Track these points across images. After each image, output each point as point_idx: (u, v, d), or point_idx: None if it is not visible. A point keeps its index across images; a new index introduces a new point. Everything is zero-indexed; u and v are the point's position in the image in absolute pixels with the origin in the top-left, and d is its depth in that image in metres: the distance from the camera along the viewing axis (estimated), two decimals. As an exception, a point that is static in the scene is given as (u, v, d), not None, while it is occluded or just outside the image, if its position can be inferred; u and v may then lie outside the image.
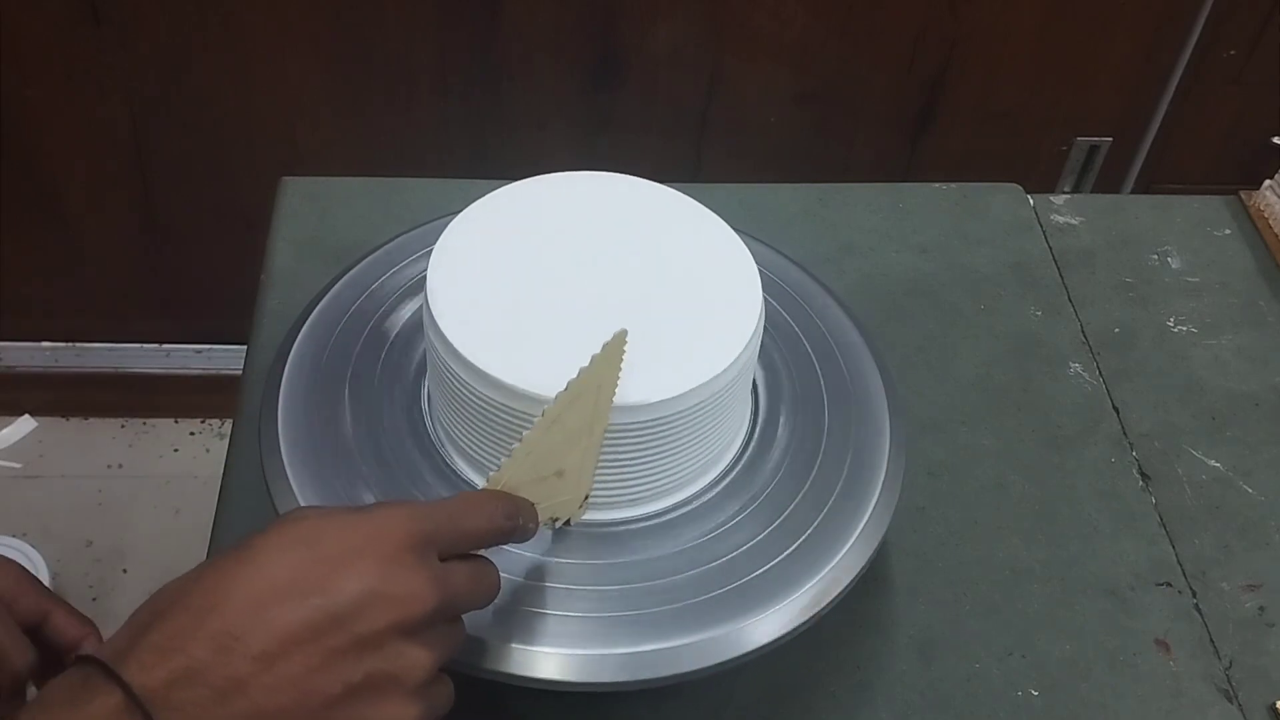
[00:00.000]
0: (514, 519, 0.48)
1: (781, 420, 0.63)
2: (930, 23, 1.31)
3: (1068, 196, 0.93)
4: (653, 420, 0.55)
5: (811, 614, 0.55)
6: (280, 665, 0.39)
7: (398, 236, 0.70)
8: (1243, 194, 0.93)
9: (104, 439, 1.63)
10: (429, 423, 0.61)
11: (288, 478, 0.57)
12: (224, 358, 1.60)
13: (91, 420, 1.65)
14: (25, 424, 1.63)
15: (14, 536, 1.40)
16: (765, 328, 0.61)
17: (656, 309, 0.58)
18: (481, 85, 1.35)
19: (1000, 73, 1.36)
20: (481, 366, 0.54)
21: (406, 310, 0.66)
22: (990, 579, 0.68)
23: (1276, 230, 0.90)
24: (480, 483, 0.59)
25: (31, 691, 0.50)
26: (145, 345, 1.60)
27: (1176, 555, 0.70)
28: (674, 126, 1.40)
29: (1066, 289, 0.85)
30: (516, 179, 0.65)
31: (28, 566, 1.32)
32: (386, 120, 1.38)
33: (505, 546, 0.54)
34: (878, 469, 0.61)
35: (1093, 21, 1.32)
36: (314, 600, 0.40)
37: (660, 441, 0.56)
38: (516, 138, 1.40)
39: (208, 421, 1.66)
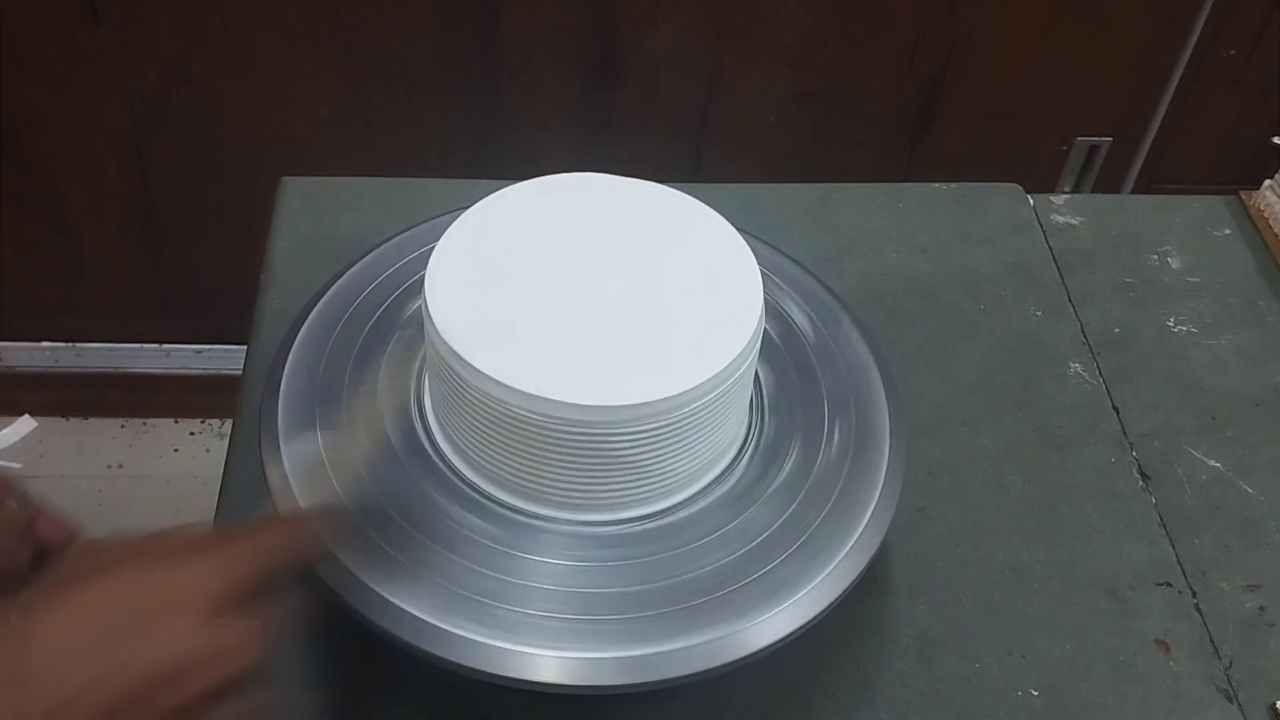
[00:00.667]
0: (313, 543, 0.48)
1: (781, 420, 0.63)
2: (930, 23, 1.31)
3: (1068, 196, 0.93)
4: (653, 419, 0.55)
5: (812, 615, 0.55)
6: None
7: (397, 236, 0.70)
8: (1243, 194, 0.93)
9: (104, 439, 1.63)
10: (429, 423, 0.61)
11: (288, 478, 0.57)
12: (224, 358, 1.60)
13: (91, 420, 1.65)
14: (25, 424, 1.63)
15: (14, 536, 1.39)
16: (765, 327, 0.61)
17: (657, 309, 0.58)
18: (481, 85, 1.35)
19: (1000, 73, 1.36)
20: (481, 367, 0.54)
21: (406, 310, 0.66)
22: (990, 579, 0.68)
23: (1276, 230, 0.90)
24: (479, 484, 0.59)
25: None
26: (145, 345, 1.60)
27: (1176, 555, 0.70)
28: (674, 126, 1.40)
29: (1066, 289, 0.85)
30: (516, 179, 0.64)
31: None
32: (386, 120, 1.38)
33: (514, 551, 0.55)
34: (878, 469, 0.61)
35: (1093, 21, 1.32)
36: (103, 665, 0.39)
37: (661, 441, 0.56)
38: (516, 138, 1.40)
39: (208, 421, 1.66)
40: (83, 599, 0.40)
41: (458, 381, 0.56)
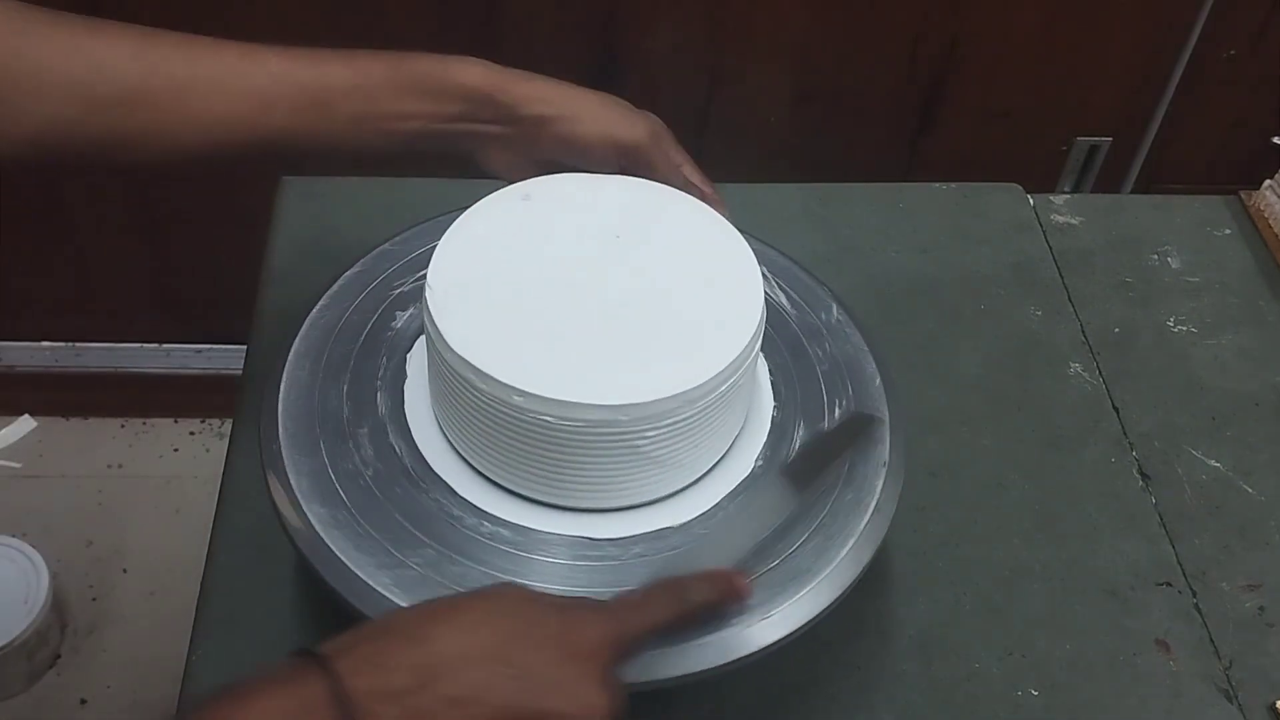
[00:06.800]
0: (688, 600, 0.50)
1: (781, 420, 0.63)
2: (930, 23, 1.31)
3: (1068, 196, 0.93)
4: (653, 420, 0.55)
5: (813, 615, 0.55)
6: (464, 711, 0.43)
7: (397, 236, 0.71)
8: (1243, 194, 0.93)
9: (104, 439, 1.63)
10: (429, 422, 0.61)
11: (288, 477, 0.57)
12: (224, 358, 1.60)
13: (91, 420, 1.65)
14: (25, 424, 1.63)
15: (14, 536, 1.39)
16: (765, 327, 0.61)
17: (657, 308, 0.58)
18: (481, 85, 1.35)
19: (1000, 73, 1.36)
20: (481, 366, 0.54)
21: (407, 310, 0.66)
22: (990, 579, 0.68)
23: (1276, 230, 0.90)
24: (479, 484, 0.59)
25: None
26: (145, 345, 1.60)
27: (1176, 555, 0.70)
28: (674, 127, 1.40)
29: (1066, 289, 0.85)
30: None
31: (28, 566, 1.33)
32: (386, 120, 1.37)
33: (514, 550, 0.55)
34: (878, 469, 0.61)
35: (1093, 21, 1.32)
36: (510, 671, 0.44)
37: (661, 441, 0.56)
38: (516, 138, 1.39)
39: (208, 421, 1.66)
40: (483, 606, 0.46)
41: (459, 380, 0.56)
